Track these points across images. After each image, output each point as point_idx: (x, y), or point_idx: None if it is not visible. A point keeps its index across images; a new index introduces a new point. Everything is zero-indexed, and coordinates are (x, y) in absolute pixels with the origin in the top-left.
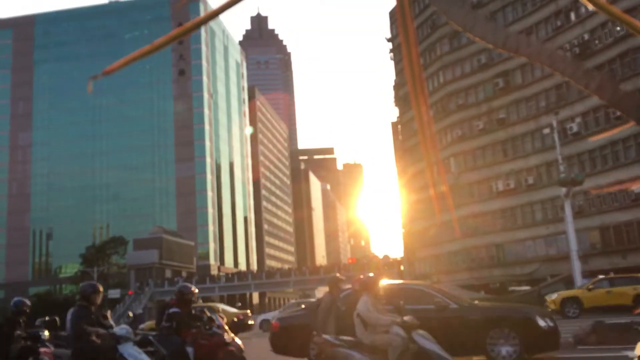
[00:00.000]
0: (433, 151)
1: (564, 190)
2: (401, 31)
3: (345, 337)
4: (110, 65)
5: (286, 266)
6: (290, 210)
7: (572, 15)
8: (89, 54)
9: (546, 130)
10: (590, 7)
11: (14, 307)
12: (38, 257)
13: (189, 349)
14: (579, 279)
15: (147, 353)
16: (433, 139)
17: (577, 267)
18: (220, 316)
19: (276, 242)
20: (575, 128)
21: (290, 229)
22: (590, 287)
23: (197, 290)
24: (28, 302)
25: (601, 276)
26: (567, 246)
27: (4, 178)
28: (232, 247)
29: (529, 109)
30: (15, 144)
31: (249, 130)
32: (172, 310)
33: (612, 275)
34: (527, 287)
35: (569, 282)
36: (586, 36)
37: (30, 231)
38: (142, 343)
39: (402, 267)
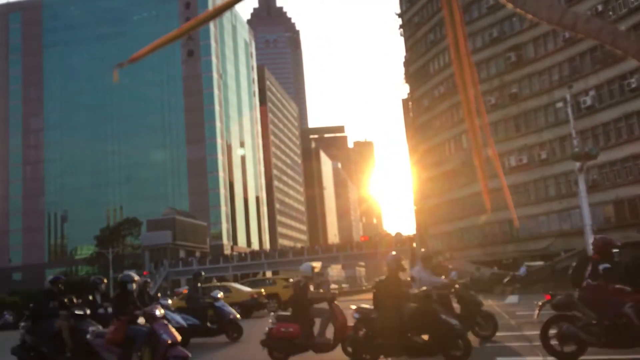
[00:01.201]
0: (479, 118)
1: (577, 164)
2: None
3: None
4: (137, 52)
5: (299, 245)
6: (301, 189)
7: None
8: (97, 36)
9: (559, 104)
10: None
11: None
12: (53, 239)
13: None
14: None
15: None
16: (480, 104)
17: (590, 242)
18: None
19: (288, 221)
20: (589, 101)
21: (302, 207)
22: (286, 285)
23: None
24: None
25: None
26: (581, 221)
27: (17, 162)
28: (245, 227)
29: (542, 83)
30: (27, 128)
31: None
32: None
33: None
34: (540, 263)
35: (582, 257)
36: (600, 7)
37: (45, 214)
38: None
39: (414, 244)
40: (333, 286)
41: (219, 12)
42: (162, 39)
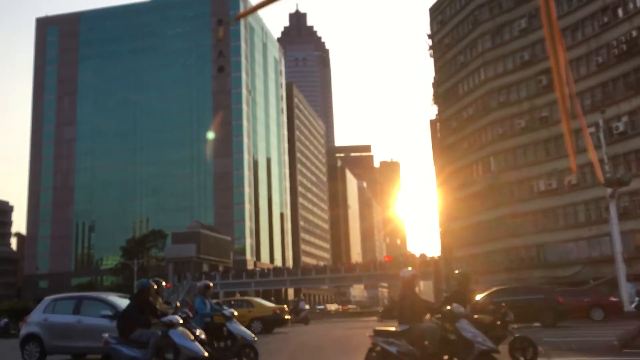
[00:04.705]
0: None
1: (609, 190)
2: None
3: None
4: (241, 12)
5: (321, 263)
6: (326, 208)
7: (620, 12)
8: (131, 51)
9: (591, 129)
10: None
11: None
12: (80, 248)
13: None
14: (623, 283)
15: None
16: (569, 73)
17: (621, 270)
18: None
19: (312, 239)
20: (621, 127)
21: (325, 226)
22: None
23: None
24: None
25: (214, 300)
26: (610, 248)
27: (49, 171)
28: (268, 243)
29: (573, 107)
30: (60, 138)
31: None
32: None
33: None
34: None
35: (612, 285)
36: (634, 33)
37: (73, 223)
38: None
39: (439, 267)
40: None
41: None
42: None
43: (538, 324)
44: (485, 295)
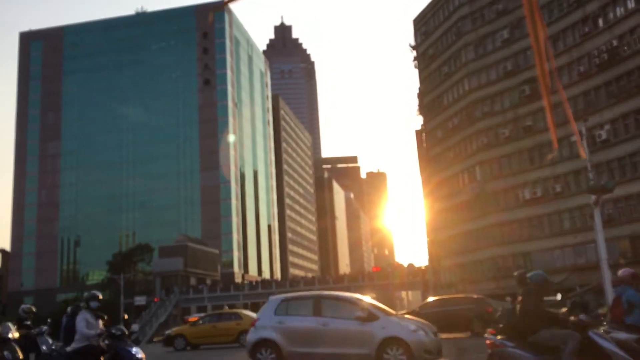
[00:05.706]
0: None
1: (593, 198)
2: None
3: None
4: None
5: (310, 274)
6: (313, 219)
7: (600, 21)
8: (116, 64)
9: (574, 138)
10: None
11: None
12: (66, 264)
13: None
14: (609, 289)
15: None
16: (549, 50)
17: (607, 276)
18: None
19: (300, 251)
20: (604, 135)
21: (313, 237)
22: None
23: None
24: None
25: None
26: (596, 255)
27: (34, 187)
28: (256, 255)
29: (556, 116)
30: (44, 153)
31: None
32: None
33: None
34: (554, 297)
35: (598, 292)
36: (615, 42)
37: (58, 239)
38: None
39: (427, 276)
40: None
41: None
42: None
43: (468, 333)
44: (420, 306)
